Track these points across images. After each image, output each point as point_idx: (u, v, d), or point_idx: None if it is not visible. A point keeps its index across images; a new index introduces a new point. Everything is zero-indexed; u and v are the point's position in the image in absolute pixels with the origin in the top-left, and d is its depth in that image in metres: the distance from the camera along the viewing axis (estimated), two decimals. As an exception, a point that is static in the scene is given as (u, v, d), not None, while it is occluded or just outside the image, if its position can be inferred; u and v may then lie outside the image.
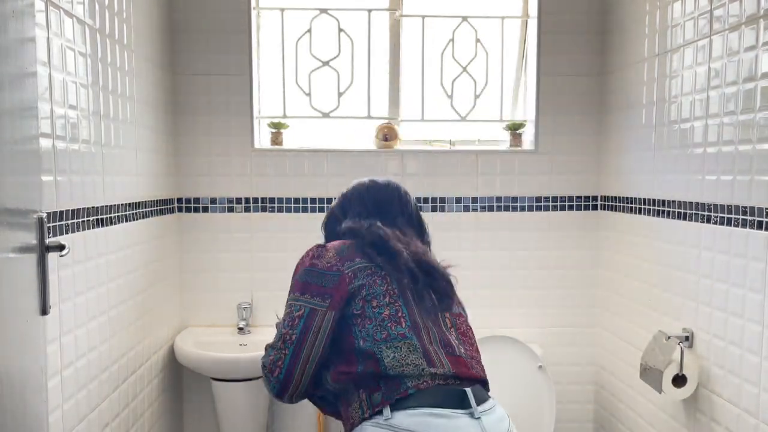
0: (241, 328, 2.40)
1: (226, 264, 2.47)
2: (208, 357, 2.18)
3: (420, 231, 1.63)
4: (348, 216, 1.57)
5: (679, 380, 1.83)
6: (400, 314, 1.37)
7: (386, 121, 2.56)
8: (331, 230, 1.61)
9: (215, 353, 2.19)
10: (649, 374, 1.90)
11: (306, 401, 1.49)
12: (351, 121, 2.59)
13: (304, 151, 2.47)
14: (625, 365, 2.31)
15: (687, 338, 1.87)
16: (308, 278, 1.40)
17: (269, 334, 2.39)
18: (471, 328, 1.51)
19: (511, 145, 2.57)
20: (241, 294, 2.48)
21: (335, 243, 1.48)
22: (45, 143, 1.37)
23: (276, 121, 2.51)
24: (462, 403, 1.30)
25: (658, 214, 2.07)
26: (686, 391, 1.83)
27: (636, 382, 2.22)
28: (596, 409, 2.58)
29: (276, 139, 2.52)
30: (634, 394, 2.24)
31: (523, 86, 2.63)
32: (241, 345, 2.36)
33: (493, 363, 2.33)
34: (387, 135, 2.50)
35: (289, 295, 1.42)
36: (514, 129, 2.55)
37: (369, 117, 2.58)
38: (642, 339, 2.16)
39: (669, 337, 1.87)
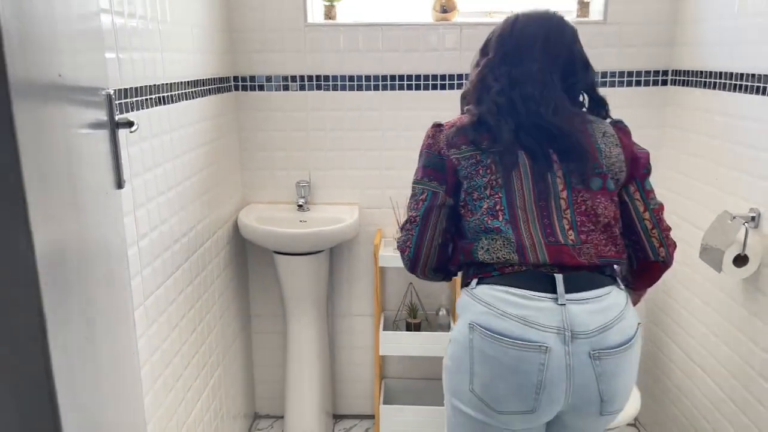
0: (300, 205, 2.47)
1: (283, 143, 2.50)
2: (270, 232, 2.27)
3: (572, 83, 1.47)
4: (483, 68, 1.45)
5: (741, 260, 1.81)
6: (498, 207, 1.35)
7: (444, -9, 2.43)
8: (463, 97, 1.51)
9: (277, 228, 2.27)
10: (710, 253, 1.88)
11: None
12: (407, -8, 2.47)
13: (358, 26, 2.39)
14: (685, 245, 2.29)
15: (753, 218, 1.82)
16: (427, 162, 1.42)
17: (327, 212, 2.48)
18: (604, 202, 1.38)
19: (578, 15, 2.41)
20: (299, 172, 2.52)
21: (451, 122, 1.43)
22: (105, 19, 1.36)
23: (329, -7, 2.41)
24: (549, 289, 1.30)
25: (734, 89, 1.94)
26: (747, 270, 1.81)
27: (694, 262, 2.21)
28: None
29: (329, 12, 2.43)
30: (690, 273, 2.24)
31: (594, -52, 2.41)
32: (301, 221, 2.44)
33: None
34: (445, 6, 2.37)
35: (414, 177, 1.45)
36: (582, -3, 2.38)
37: (426, -13, 2.45)
38: (705, 219, 2.12)
39: (734, 217, 1.82)
